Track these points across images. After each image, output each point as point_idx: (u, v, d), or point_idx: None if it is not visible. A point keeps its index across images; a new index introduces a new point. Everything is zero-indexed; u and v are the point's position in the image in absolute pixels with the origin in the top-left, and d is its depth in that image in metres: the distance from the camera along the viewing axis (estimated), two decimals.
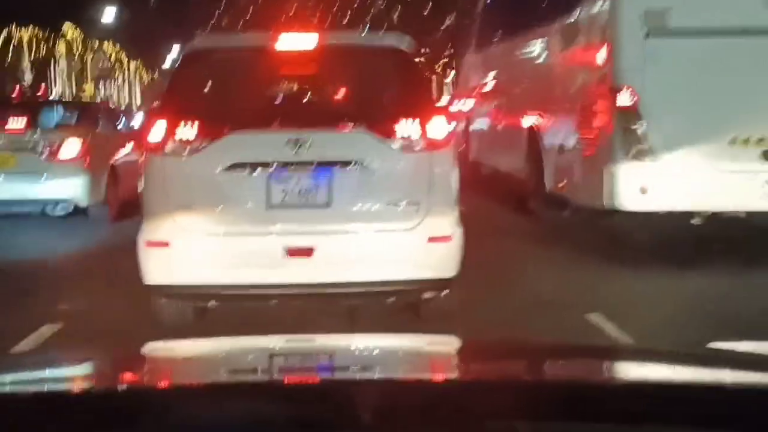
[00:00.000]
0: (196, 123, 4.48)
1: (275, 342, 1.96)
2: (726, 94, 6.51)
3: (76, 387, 1.49)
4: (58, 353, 2.38)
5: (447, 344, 1.95)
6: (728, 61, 6.55)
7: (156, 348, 1.88)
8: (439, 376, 1.54)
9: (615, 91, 6.65)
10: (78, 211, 9.08)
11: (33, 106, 12.12)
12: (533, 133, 8.81)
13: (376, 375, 1.55)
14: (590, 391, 1.30)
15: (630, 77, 6.60)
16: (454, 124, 13.27)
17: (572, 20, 7.89)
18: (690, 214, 6.76)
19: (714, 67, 6.55)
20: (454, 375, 1.59)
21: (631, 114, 6.55)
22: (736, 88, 6.53)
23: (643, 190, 6.52)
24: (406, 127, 4.51)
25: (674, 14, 6.53)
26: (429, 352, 1.83)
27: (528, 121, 9.10)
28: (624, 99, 6.59)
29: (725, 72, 6.54)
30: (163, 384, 1.47)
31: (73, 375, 1.62)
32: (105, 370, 1.66)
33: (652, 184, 6.51)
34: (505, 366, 1.63)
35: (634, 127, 6.53)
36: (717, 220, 6.90)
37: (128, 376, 1.58)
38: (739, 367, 1.54)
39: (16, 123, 9.24)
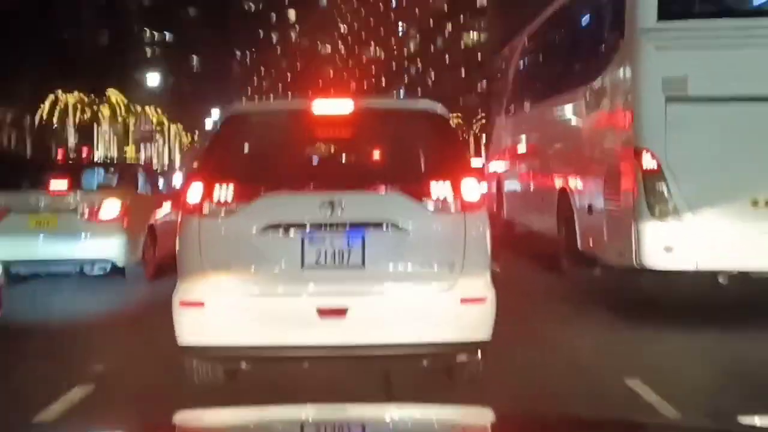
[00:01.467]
0: (233, 184, 4.54)
1: (307, 412, 1.92)
2: (745, 157, 6.70)
3: None
4: (85, 425, 2.33)
5: (481, 418, 1.90)
6: (746, 125, 6.74)
7: (186, 418, 1.85)
8: None
9: (639, 153, 6.84)
10: (115, 271, 9.20)
11: (75, 168, 12.42)
12: (564, 193, 8.99)
13: None
14: None
15: (653, 141, 6.81)
16: (486, 185, 13.44)
17: (597, 86, 8.12)
18: (716, 273, 6.85)
19: (733, 132, 6.74)
20: None
21: (654, 176, 6.74)
22: (755, 151, 6.71)
23: (668, 249, 6.67)
24: (440, 189, 4.53)
25: (692, 82, 6.77)
26: (462, 427, 1.79)
27: (559, 182, 9.28)
28: (647, 161, 6.78)
29: (743, 136, 6.72)
30: None
31: None
32: None
33: (677, 243, 6.66)
34: None
35: (657, 188, 6.72)
36: (746, 280, 6.94)
37: None
38: None
39: (59, 184, 9.45)
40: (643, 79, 6.94)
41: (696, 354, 5.76)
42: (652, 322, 6.50)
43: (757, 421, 1.86)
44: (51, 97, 34.53)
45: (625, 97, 7.24)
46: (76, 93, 35.52)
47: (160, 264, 9.21)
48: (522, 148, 12.04)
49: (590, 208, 8.01)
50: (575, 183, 8.68)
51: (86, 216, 9.04)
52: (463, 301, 4.44)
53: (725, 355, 5.68)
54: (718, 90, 6.77)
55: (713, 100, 6.78)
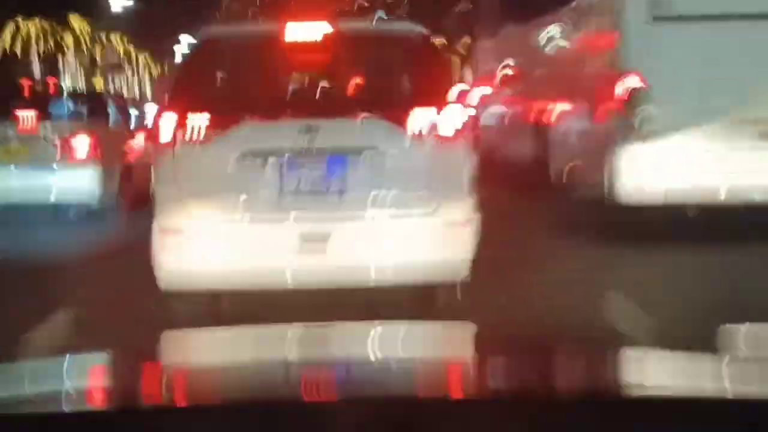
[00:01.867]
0: (208, 112, 4.45)
1: (292, 332, 1.92)
2: (726, 77, 6.72)
3: (92, 400, 1.42)
4: (69, 353, 2.30)
5: (465, 333, 1.90)
6: (728, 44, 6.73)
7: (173, 339, 1.84)
8: (454, 390, 1.46)
9: (622, 75, 6.84)
10: (92, 204, 9.09)
11: (44, 100, 12.15)
12: (544, 117, 8.95)
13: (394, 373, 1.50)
14: (603, 405, 1.25)
15: (636, 62, 6.79)
16: (469, 110, 13.37)
17: (580, 7, 7.99)
18: (692, 196, 6.99)
19: (715, 51, 6.72)
20: (468, 389, 1.49)
21: (637, 98, 6.74)
22: (736, 70, 6.72)
23: (648, 172, 6.73)
24: (422, 115, 4.48)
25: (677, 0, 6.71)
26: (448, 342, 1.79)
27: (539, 107, 9.19)
28: (631, 83, 6.77)
29: (726, 55, 6.72)
30: (178, 398, 1.40)
31: (87, 381, 1.55)
32: (122, 372, 1.61)
33: (657, 165, 6.73)
34: (515, 372, 1.57)
35: (639, 110, 6.74)
36: (717, 210, 7.09)
37: (146, 386, 1.52)
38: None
39: (28, 117, 9.25)
40: None
41: (675, 269, 5.89)
42: (631, 241, 6.63)
43: (730, 329, 1.87)
44: (11, 25, 33.55)
45: (608, 17, 7.16)
46: (37, 20, 34.46)
47: (138, 196, 9.12)
48: (504, 73, 11.98)
49: (571, 132, 8.02)
50: (555, 108, 8.65)
51: (58, 149, 8.87)
52: (446, 226, 4.44)
53: (706, 273, 5.82)
54: (701, 8, 6.73)
55: (697, 19, 6.74)
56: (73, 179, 8.84)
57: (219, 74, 5.02)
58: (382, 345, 1.75)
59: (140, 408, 1.28)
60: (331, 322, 2.20)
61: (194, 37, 5.62)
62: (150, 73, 48.45)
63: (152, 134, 5.09)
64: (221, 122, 4.46)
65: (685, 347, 1.77)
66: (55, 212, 9.17)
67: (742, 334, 1.83)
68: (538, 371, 1.55)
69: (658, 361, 1.66)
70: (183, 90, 4.72)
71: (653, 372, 1.58)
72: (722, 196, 6.87)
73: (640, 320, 4.61)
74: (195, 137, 4.43)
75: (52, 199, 8.98)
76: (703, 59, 6.72)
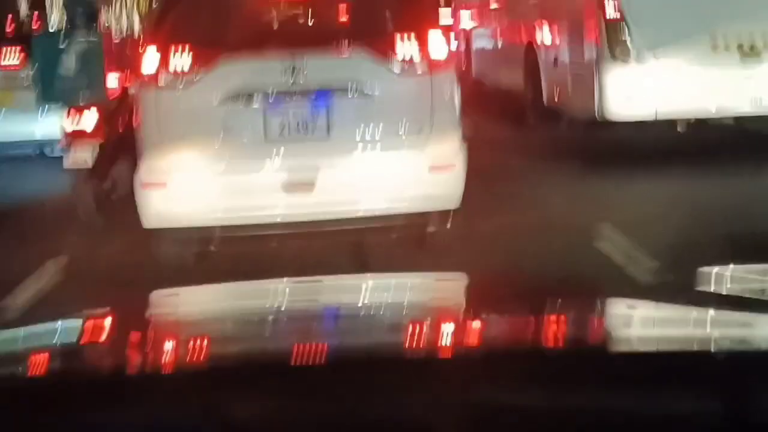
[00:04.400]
0: (190, 51, 4.33)
1: (283, 287, 1.90)
2: (706, 2, 6.78)
3: (85, 368, 1.37)
4: (58, 306, 2.26)
5: (457, 284, 1.86)
6: None
7: (162, 297, 1.80)
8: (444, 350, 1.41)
9: (601, 2, 6.83)
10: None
11: (27, 40, 11.87)
12: (530, 47, 8.94)
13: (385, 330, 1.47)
14: (591, 358, 1.21)
15: None
16: (455, 44, 13.18)
17: None
18: (675, 122, 7.10)
19: None
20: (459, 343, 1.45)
21: (617, 25, 6.79)
22: None
23: (630, 99, 6.81)
24: (406, 50, 4.36)
25: None
26: (438, 293, 1.77)
27: (525, 36, 9.19)
28: (611, 11, 6.79)
29: None
30: (169, 360, 1.36)
31: (77, 345, 1.51)
32: (111, 342, 1.55)
33: (639, 92, 6.80)
34: (509, 327, 1.54)
35: (620, 37, 6.79)
36: (704, 127, 7.22)
37: (133, 351, 1.46)
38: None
39: (12, 58, 9.03)
40: None
41: (663, 201, 5.90)
42: (618, 172, 6.65)
43: (717, 270, 1.83)
44: None
45: None
46: None
47: (123, 137, 8.98)
48: (491, 4, 11.80)
49: (555, 61, 8.02)
50: (541, 36, 8.61)
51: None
52: (432, 168, 4.38)
53: (689, 201, 5.83)
54: None
55: None
56: (59, 125, 8.68)
57: (199, 11, 4.87)
58: (373, 298, 1.73)
59: (131, 370, 1.25)
60: (320, 276, 2.19)
61: None
62: (139, 8, 47.60)
63: (135, 75, 4.98)
64: (203, 61, 4.34)
65: (673, 291, 1.74)
66: (41, 159, 9.05)
67: (728, 277, 1.80)
68: (526, 324, 1.54)
69: (646, 311, 1.63)
70: (163, 28, 4.59)
71: (641, 324, 1.56)
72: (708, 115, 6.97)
73: (629, 252, 4.59)
74: (177, 79, 4.32)
75: (37, 146, 8.85)
76: None
